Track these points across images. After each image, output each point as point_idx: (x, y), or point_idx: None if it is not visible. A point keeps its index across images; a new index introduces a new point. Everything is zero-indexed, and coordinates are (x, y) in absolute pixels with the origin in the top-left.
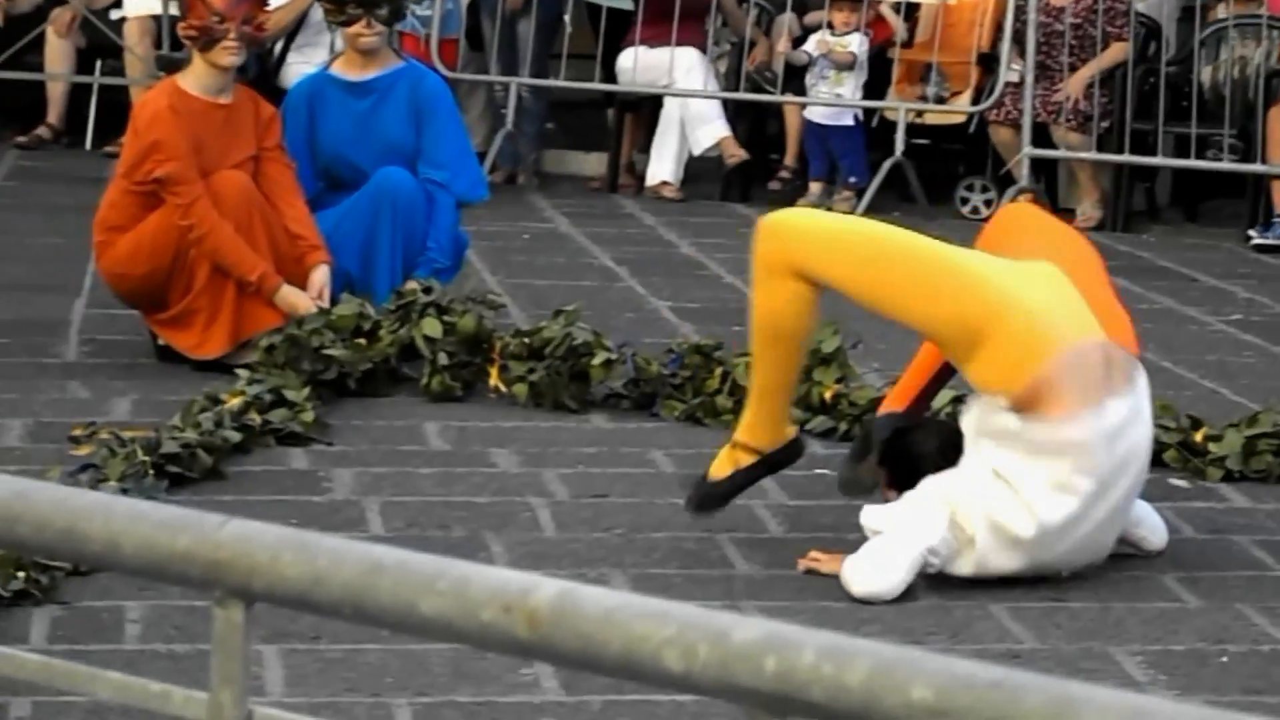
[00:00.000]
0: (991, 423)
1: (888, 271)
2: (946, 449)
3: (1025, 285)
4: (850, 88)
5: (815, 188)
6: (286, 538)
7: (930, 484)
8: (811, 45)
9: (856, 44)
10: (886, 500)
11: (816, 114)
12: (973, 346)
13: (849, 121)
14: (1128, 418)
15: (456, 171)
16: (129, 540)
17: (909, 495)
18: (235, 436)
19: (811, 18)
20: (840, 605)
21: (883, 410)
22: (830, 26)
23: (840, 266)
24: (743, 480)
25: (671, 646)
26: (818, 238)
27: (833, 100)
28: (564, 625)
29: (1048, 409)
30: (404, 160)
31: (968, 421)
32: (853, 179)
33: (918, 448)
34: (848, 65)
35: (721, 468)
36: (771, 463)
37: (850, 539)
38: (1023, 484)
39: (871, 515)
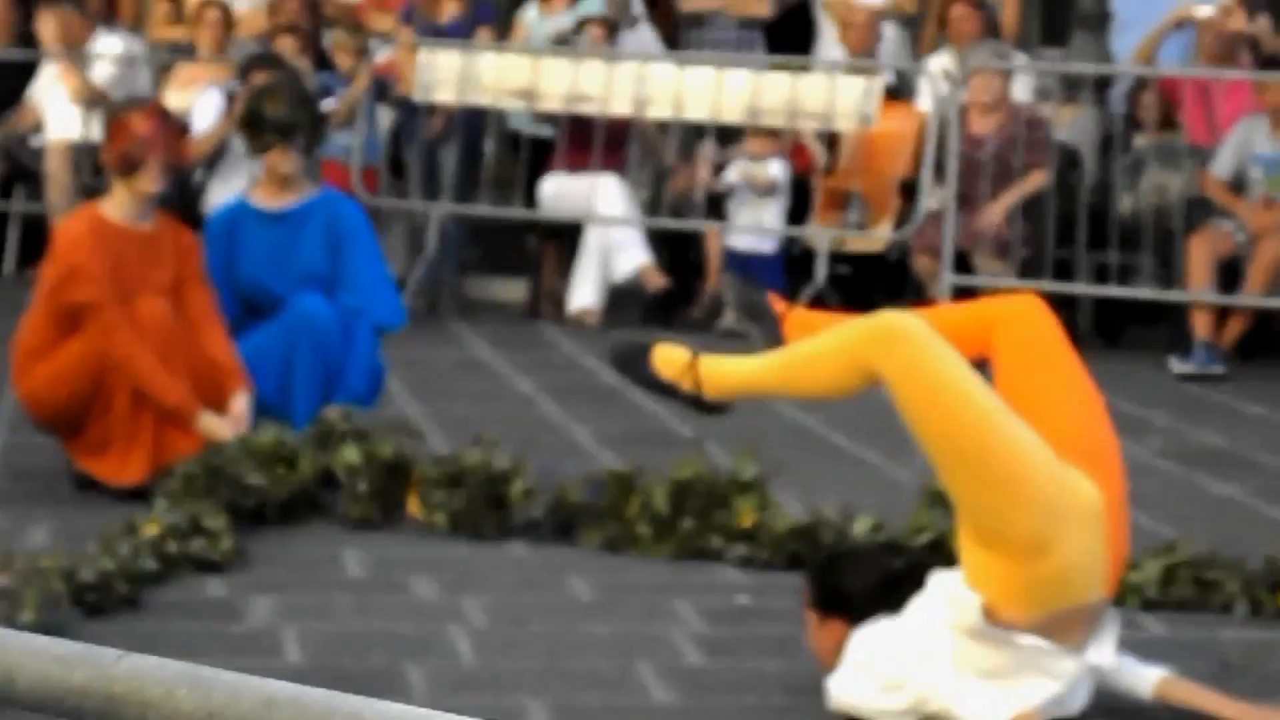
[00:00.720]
0: (983, 625)
1: (961, 445)
2: (877, 592)
3: (1073, 530)
4: (772, 214)
5: (731, 314)
6: (182, 672)
7: (897, 657)
8: (733, 173)
9: (776, 169)
10: (806, 618)
11: (737, 242)
12: (998, 553)
13: (769, 249)
14: (1101, 661)
15: (374, 298)
16: (25, 674)
17: (885, 673)
18: (153, 565)
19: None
20: None
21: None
22: (751, 154)
23: (917, 410)
24: (670, 393)
25: None
26: (918, 373)
27: (754, 228)
28: None
29: (1022, 628)
30: (322, 288)
31: (952, 600)
32: None
33: (849, 579)
34: (768, 191)
35: (667, 367)
36: (698, 402)
37: (769, 667)
38: (1005, 691)
39: (836, 690)
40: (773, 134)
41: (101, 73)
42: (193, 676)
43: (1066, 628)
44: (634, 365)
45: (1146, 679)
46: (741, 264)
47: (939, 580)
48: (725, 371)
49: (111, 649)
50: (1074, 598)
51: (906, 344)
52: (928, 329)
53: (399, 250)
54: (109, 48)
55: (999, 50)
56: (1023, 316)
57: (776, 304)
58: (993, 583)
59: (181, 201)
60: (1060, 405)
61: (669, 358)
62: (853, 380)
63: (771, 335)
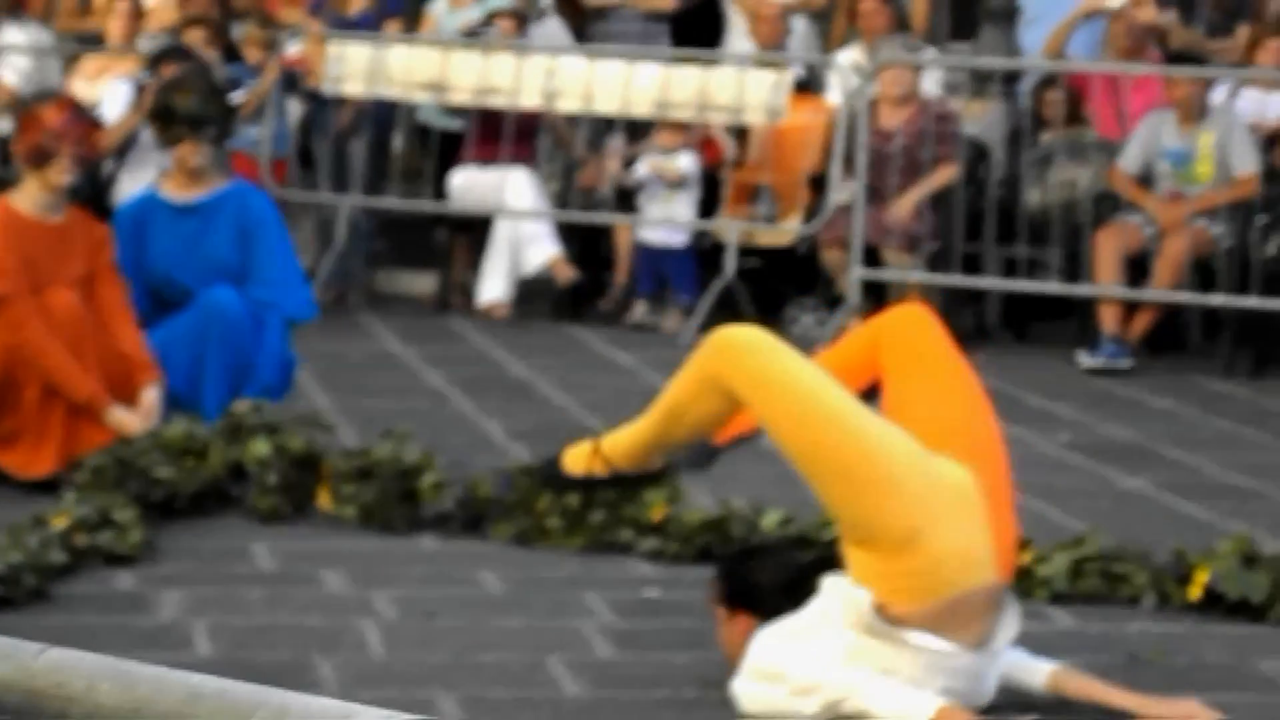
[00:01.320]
0: (874, 620)
1: (820, 446)
2: (788, 585)
3: (942, 517)
4: (682, 207)
5: (641, 306)
6: (104, 666)
7: (802, 661)
8: (643, 167)
9: (686, 162)
10: (714, 613)
11: (647, 236)
12: (871, 550)
13: (680, 243)
14: (996, 651)
15: (284, 291)
16: None
17: (786, 671)
18: (62, 558)
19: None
20: None
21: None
22: (661, 148)
23: (772, 417)
24: (591, 485)
25: None
26: (764, 379)
27: (664, 221)
28: None
29: (916, 625)
30: (232, 280)
31: (844, 600)
32: (683, 297)
33: (757, 576)
34: (678, 184)
35: (576, 463)
36: (621, 480)
37: (678, 660)
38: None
39: (743, 695)
40: (681, 127)
41: (10, 64)
42: (115, 670)
43: (961, 619)
44: (554, 479)
45: (1039, 672)
46: (652, 258)
47: (832, 582)
48: (625, 441)
49: (33, 643)
50: (958, 583)
51: (747, 353)
52: (768, 337)
53: (308, 242)
54: (17, 39)
55: (908, 44)
56: (903, 324)
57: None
58: (876, 580)
59: (92, 193)
60: (939, 402)
61: (576, 456)
62: (717, 402)
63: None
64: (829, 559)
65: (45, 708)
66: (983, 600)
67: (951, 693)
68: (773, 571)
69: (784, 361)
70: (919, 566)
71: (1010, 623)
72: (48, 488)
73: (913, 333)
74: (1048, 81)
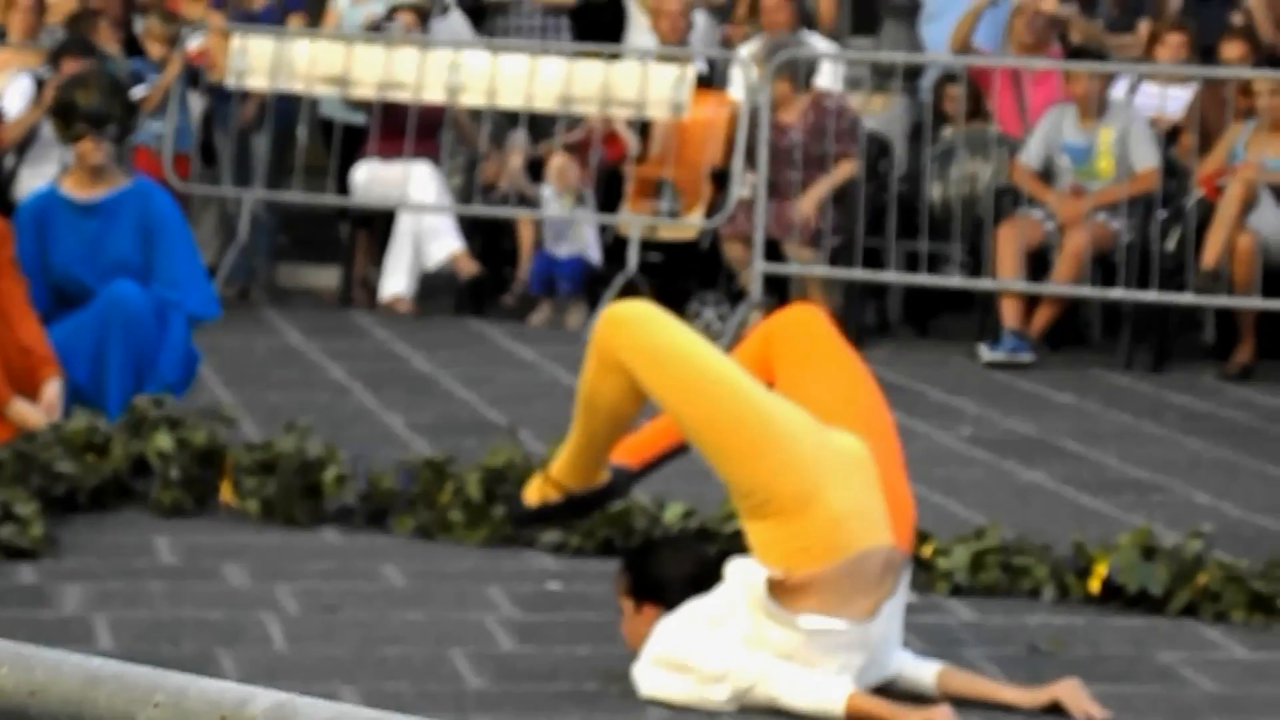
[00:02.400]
0: (772, 613)
1: (711, 413)
2: (695, 578)
3: (836, 476)
4: (583, 214)
5: (544, 309)
6: (3, 650)
7: (709, 650)
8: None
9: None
10: (620, 607)
11: (554, 246)
12: (767, 516)
13: (586, 255)
14: (888, 616)
15: (188, 289)
16: None
17: (685, 655)
18: None
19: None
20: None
21: (616, 459)
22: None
23: (663, 386)
24: (551, 513)
25: None
26: (652, 349)
27: (564, 222)
28: None
29: (811, 602)
30: (134, 279)
31: (743, 583)
32: (565, 286)
33: (666, 567)
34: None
35: (531, 493)
36: (577, 502)
37: (580, 653)
38: (800, 669)
39: (649, 684)
40: (570, 126)
41: None
42: (14, 654)
43: (858, 585)
44: (521, 518)
45: (927, 672)
46: (548, 261)
47: (732, 566)
48: (563, 457)
49: None
50: (856, 543)
51: (633, 326)
52: (655, 310)
53: (210, 238)
54: None
55: (801, 39)
56: (792, 321)
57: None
58: (775, 549)
59: None
60: (829, 387)
61: (530, 488)
62: (618, 380)
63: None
64: (733, 551)
65: None
66: (879, 564)
67: (849, 668)
68: (680, 563)
69: (671, 332)
70: (816, 526)
71: (901, 592)
72: None
73: (801, 328)
74: (949, 77)
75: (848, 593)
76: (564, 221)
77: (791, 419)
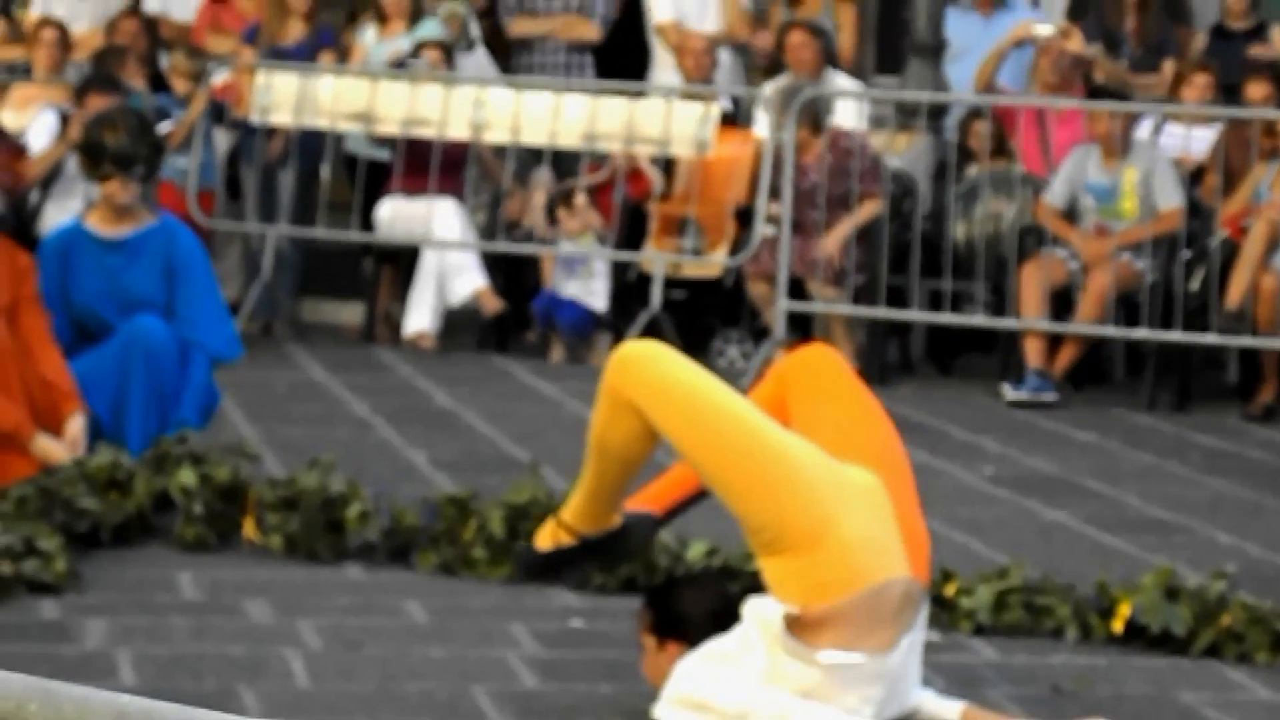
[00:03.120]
0: (786, 639)
1: (719, 449)
2: (718, 615)
3: (849, 508)
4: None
5: (557, 349)
6: (32, 686)
7: (728, 689)
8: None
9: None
10: (642, 644)
11: (563, 286)
12: (781, 552)
13: (593, 304)
14: (907, 649)
15: (210, 331)
16: None
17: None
18: None
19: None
20: None
21: (635, 507)
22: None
23: (673, 424)
24: (564, 559)
25: None
26: (660, 386)
27: (583, 274)
28: None
29: (829, 636)
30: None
31: (760, 621)
32: (567, 333)
33: (689, 604)
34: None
35: (543, 539)
36: (590, 547)
37: (602, 690)
38: (820, 706)
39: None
40: (593, 164)
41: None
42: (43, 690)
43: (876, 619)
44: (533, 566)
45: (950, 711)
46: (549, 300)
47: (749, 605)
48: (575, 501)
49: None
50: (872, 574)
51: (642, 363)
52: (663, 349)
53: (234, 273)
54: None
55: (824, 80)
56: (805, 360)
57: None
58: (790, 584)
59: (16, 223)
60: (843, 423)
61: (542, 534)
62: (629, 420)
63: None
64: (756, 589)
65: None
66: (898, 597)
67: (870, 700)
68: (701, 601)
69: (680, 369)
70: (830, 559)
71: (920, 625)
72: None
73: (815, 367)
74: (975, 114)
75: (866, 626)
76: (576, 260)
77: (803, 454)
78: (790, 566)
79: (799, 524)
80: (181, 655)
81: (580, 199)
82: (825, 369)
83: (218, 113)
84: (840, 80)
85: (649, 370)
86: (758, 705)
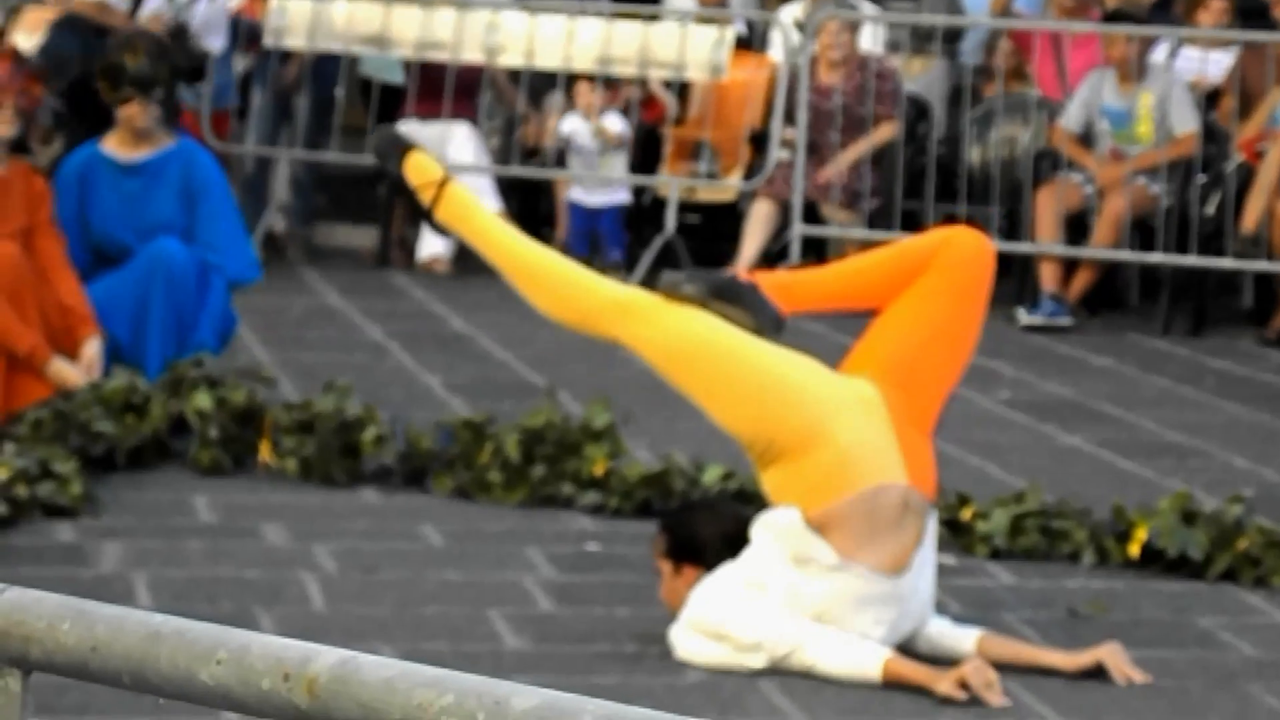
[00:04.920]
0: (802, 551)
1: (703, 364)
2: (732, 537)
3: (840, 415)
4: (618, 166)
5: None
6: (65, 606)
7: (745, 618)
8: (569, 126)
9: (617, 124)
10: (658, 569)
11: (581, 196)
12: (776, 461)
13: (620, 200)
14: (919, 566)
15: (229, 253)
16: None
17: (721, 619)
18: (2, 509)
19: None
20: (609, 681)
21: (770, 293)
22: (590, 109)
23: (650, 343)
24: (408, 195)
25: (450, 715)
26: (649, 337)
27: (600, 178)
28: (344, 694)
29: (832, 539)
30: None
31: (771, 528)
32: (614, 255)
33: (703, 527)
34: (617, 146)
35: (415, 171)
36: (426, 216)
37: (619, 614)
38: (836, 634)
39: (686, 649)
40: (608, 84)
41: None
42: (75, 610)
43: (878, 527)
44: (389, 158)
45: (966, 639)
46: (585, 217)
47: (759, 522)
48: (469, 216)
49: None
50: (865, 477)
51: (637, 318)
52: (655, 300)
53: (248, 197)
54: None
55: (846, 2)
56: (967, 258)
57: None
58: (790, 486)
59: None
60: (902, 332)
61: (422, 166)
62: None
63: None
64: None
65: (4, 647)
66: (896, 502)
67: (882, 621)
68: (717, 523)
69: (666, 316)
70: (824, 460)
71: (929, 543)
72: None
73: (970, 268)
74: (998, 34)
75: (866, 532)
76: (593, 152)
77: (789, 367)
78: (785, 473)
79: (789, 431)
80: (198, 579)
81: (584, 89)
82: (972, 274)
83: (237, 35)
84: (858, 3)
85: (637, 325)
86: (773, 632)
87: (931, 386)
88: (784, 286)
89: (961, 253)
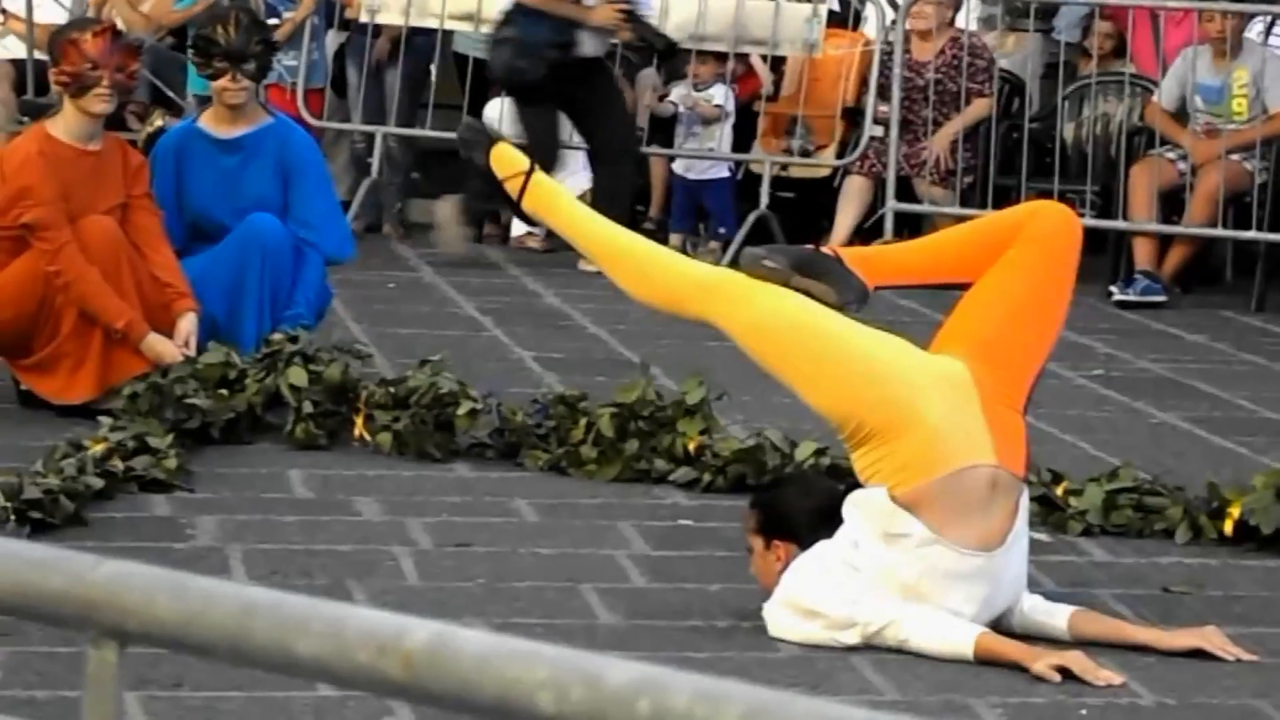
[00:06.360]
0: (893, 527)
1: (791, 345)
2: (824, 512)
3: (929, 396)
4: (719, 140)
5: (675, 240)
6: (161, 578)
7: (838, 596)
8: (676, 96)
9: (721, 96)
10: (749, 544)
11: (685, 169)
12: (866, 441)
13: (721, 174)
14: (1012, 543)
15: (324, 230)
16: (0, 579)
17: (814, 601)
18: (98, 483)
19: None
20: (702, 656)
21: (853, 266)
22: (694, 81)
23: (738, 323)
24: (493, 184)
25: (545, 689)
26: (747, 316)
27: (700, 152)
28: (439, 668)
29: (922, 517)
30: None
31: (859, 513)
32: (721, 230)
33: (793, 502)
34: (715, 119)
35: (500, 163)
36: (513, 205)
37: (712, 590)
38: (929, 610)
39: (779, 627)
40: (717, 58)
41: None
42: (172, 582)
43: (961, 507)
44: (475, 149)
45: (1059, 616)
46: (689, 191)
47: (849, 500)
48: (556, 204)
49: (90, 555)
50: (952, 458)
51: (725, 299)
52: (743, 281)
53: (343, 173)
54: None
55: None
56: (1054, 225)
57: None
58: (876, 471)
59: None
60: (990, 309)
61: (507, 157)
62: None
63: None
64: (860, 487)
65: (101, 619)
66: (984, 483)
67: (974, 599)
68: (806, 498)
69: (757, 295)
70: (913, 443)
71: (1022, 520)
72: (84, 414)
73: (1057, 240)
74: (1102, 15)
75: (956, 511)
76: (694, 117)
77: (877, 346)
78: (874, 454)
79: (878, 412)
80: (292, 552)
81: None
82: (1065, 243)
83: (328, 11)
84: None
85: (727, 305)
86: (866, 613)
87: (1020, 362)
88: (868, 259)
89: (1048, 225)
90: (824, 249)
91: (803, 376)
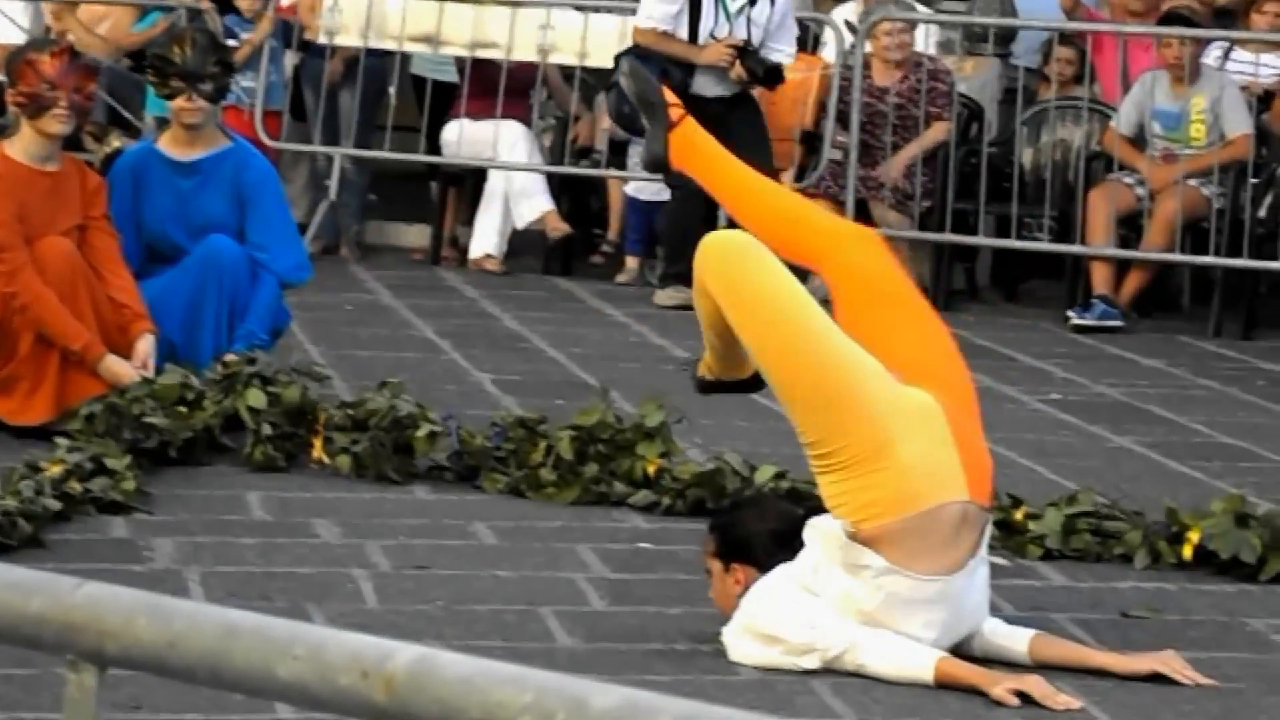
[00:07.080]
0: (853, 559)
1: (786, 357)
2: (783, 536)
3: (907, 430)
4: None
5: (632, 262)
6: (141, 601)
7: (797, 622)
8: None
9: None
10: (707, 567)
11: (638, 190)
12: (837, 469)
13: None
14: (973, 569)
15: (280, 254)
16: None
17: (770, 619)
18: (55, 505)
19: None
20: (662, 679)
21: (678, 132)
22: None
23: (743, 324)
24: (718, 387)
25: (530, 714)
26: (733, 286)
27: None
28: (422, 691)
29: (883, 550)
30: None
31: (821, 535)
32: None
33: (750, 525)
34: None
35: (702, 368)
36: (731, 385)
37: (671, 613)
38: (888, 635)
39: (738, 652)
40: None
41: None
42: (152, 605)
43: (934, 541)
44: (704, 385)
45: (1019, 640)
46: (642, 212)
47: (810, 525)
48: (708, 358)
49: (70, 577)
50: (927, 496)
51: (723, 257)
52: (749, 244)
53: (300, 195)
54: None
55: (901, 3)
56: (860, 248)
57: (669, 98)
58: (844, 501)
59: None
60: (903, 336)
61: (700, 366)
62: (709, 303)
63: (659, 127)
64: (820, 511)
65: (80, 642)
66: (953, 519)
67: (934, 624)
68: (766, 522)
69: (757, 269)
70: (887, 479)
71: (983, 545)
72: (41, 435)
73: (871, 256)
74: (1064, 38)
75: (919, 547)
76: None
77: (868, 373)
78: (845, 484)
79: (858, 443)
80: (251, 575)
81: None
82: (877, 260)
83: (286, 33)
84: (916, 6)
85: (728, 266)
86: (825, 638)
87: (964, 381)
88: (694, 148)
89: (863, 269)
90: (678, 108)
91: (791, 386)
